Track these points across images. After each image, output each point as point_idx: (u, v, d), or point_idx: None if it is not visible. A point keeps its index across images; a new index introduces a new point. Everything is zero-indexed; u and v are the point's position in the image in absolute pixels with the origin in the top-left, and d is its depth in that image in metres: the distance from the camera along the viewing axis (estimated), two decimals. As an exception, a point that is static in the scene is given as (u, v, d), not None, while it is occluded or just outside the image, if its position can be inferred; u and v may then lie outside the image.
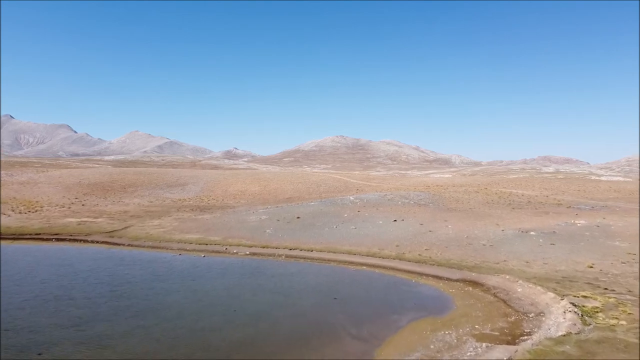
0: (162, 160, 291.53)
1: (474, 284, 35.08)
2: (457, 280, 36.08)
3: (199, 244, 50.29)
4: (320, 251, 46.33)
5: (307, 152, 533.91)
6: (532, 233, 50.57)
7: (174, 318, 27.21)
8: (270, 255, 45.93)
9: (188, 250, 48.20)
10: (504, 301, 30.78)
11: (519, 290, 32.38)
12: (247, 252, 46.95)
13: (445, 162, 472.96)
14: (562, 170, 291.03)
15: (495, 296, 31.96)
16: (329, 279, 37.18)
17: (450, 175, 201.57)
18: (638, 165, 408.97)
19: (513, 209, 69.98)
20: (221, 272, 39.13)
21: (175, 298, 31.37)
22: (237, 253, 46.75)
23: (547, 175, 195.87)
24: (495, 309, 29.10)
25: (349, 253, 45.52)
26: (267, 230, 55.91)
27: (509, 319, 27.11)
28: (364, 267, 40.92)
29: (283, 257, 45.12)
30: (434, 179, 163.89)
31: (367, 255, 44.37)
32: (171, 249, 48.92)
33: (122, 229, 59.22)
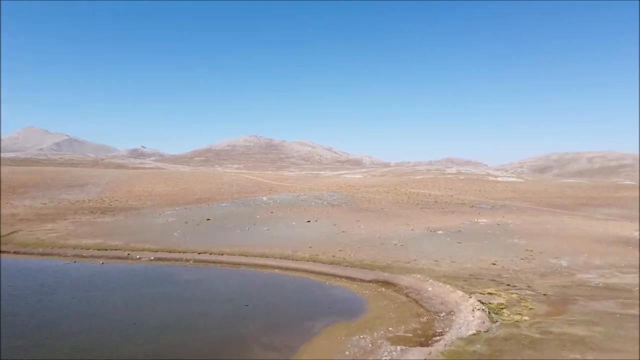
0: (61, 158, 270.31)
1: (387, 284, 35.13)
2: (370, 281, 35.96)
3: (98, 250, 46.22)
4: (232, 255, 44.39)
5: (219, 152, 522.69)
6: (440, 232, 52.19)
7: (61, 336, 24.14)
8: (177, 260, 43.21)
9: (85, 257, 44.08)
10: (416, 301, 30.98)
11: (429, 289, 32.81)
12: (152, 258, 43.82)
13: (356, 163, 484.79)
14: (463, 171, 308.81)
15: (408, 296, 32.12)
16: (240, 284, 35.48)
17: (362, 176, 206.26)
18: (531, 167, 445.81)
19: (422, 208, 72.28)
20: (121, 280, 35.95)
21: (65, 313, 28.07)
22: (140, 259, 43.48)
23: (449, 176, 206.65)
24: (408, 309, 29.12)
25: (262, 256, 44.03)
26: (175, 234, 52.83)
27: (421, 319, 27.17)
28: (277, 271, 39.67)
29: (191, 262, 42.62)
30: (346, 179, 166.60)
31: (281, 258, 43.16)
32: (65, 256, 44.47)
33: (8, 234, 53.09)
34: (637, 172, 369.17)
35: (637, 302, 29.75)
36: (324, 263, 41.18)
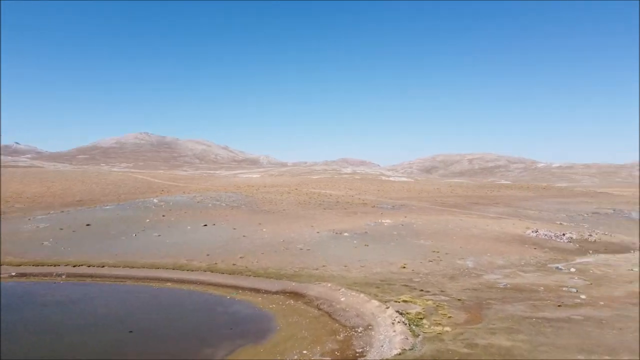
0: None
1: (296, 295, 31.92)
2: (277, 293, 32.51)
3: (-59, 266, 37.72)
4: (115, 266, 38.46)
5: (106, 149, 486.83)
6: (345, 234, 50.23)
7: None
8: (46, 275, 36.42)
9: None
10: (329, 314, 28.11)
11: (342, 299, 30.16)
12: (13, 274, 36.55)
13: (253, 162, 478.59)
14: (358, 171, 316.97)
15: (320, 309, 29.16)
16: (124, 303, 30.17)
17: (259, 176, 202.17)
18: (419, 168, 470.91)
19: (324, 209, 70.36)
20: (-32, 305, 28.90)
21: None
22: (-3, 276, 36.01)
23: (346, 176, 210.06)
24: (321, 325, 26.11)
25: (152, 267, 38.66)
26: (45, 242, 45.25)
27: (337, 337, 24.28)
28: (170, 284, 34.79)
29: (64, 276, 36.11)
30: (244, 179, 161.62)
31: (174, 269, 38.16)
32: None
33: None
34: (510, 173, 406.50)
35: (546, 303, 29.65)
36: (223, 273, 36.96)
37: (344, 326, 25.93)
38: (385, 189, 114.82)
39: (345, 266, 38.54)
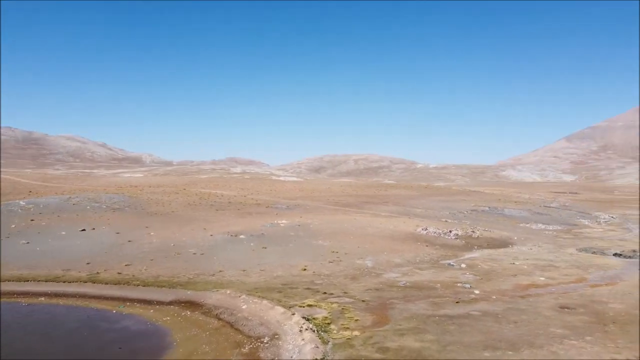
0: None
1: (192, 305, 29.33)
2: (171, 303, 29.63)
3: None
4: (-30, 282, 32.58)
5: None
6: (242, 236, 48.11)
7: None
8: None
9: None
10: (231, 324, 26.06)
11: (244, 307, 28.22)
12: None
13: (136, 161, 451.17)
14: (248, 170, 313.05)
15: (220, 319, 26.96)
16: (-18, 326, 25.37)
17: (143, 175, 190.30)
18: (308, 167, 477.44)
19: (217, 210, 67.32)
20: None
21: None
22: None
23: (236, 175, 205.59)
24: (223, 337, 24.00)
25: (19, 280, 33.42)
26: None
27: (242, 349, 22.39)
28: (43, 299, 30.22)
29: None
30: (126, 178, 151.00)
31: (47, 281, 33.32)
32: None
33: None
34: (393, 173, 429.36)
35: (445, 300, 30.41)
36: (108, 284, 33.01)
37: (249, 337, 24.10)
38: (278, 188, 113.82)
39: (244, 270, 36.56)
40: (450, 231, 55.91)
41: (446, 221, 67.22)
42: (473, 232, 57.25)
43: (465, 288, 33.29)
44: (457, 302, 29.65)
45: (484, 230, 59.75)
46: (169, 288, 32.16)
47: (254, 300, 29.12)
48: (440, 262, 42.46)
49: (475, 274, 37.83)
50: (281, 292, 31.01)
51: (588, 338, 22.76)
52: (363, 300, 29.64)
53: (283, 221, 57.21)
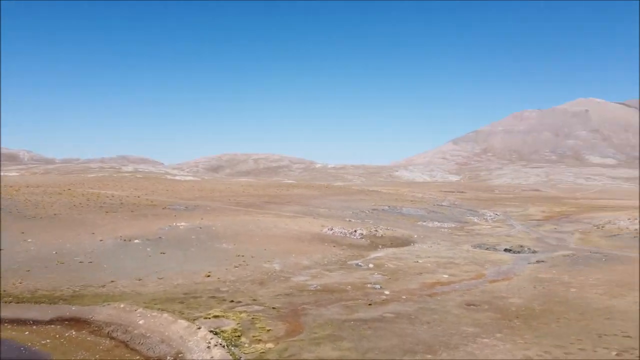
0: None
1: (79, 323, 25.61)
2: (52, 322, 25.62)
3: None
4: None
5: None
6: (136, 241, 44.04)
7: None
8: None
9: None
10: (126, 344, 23.00)
11: (141, 322, 25.17)
12: None
13: (11, 158, 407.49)
14: (140, 169, 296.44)
15: (113, 338, 23.72)
16: None
17: (19, 174, 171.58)
18: (205, 167, 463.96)
19: (107, 212, 61.55)
20: None
21: None
22: None
23: (126, 174, 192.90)
24: (117, 360, 20.96)
25: None
26: None
27: (141, 373, 19.62)
28: None
29: None
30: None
31: None
32: None
33: None
34: (292, 172, 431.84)
35: (357, 303, 29.68)
36: (-30, 302, 27.92)
37: (148, 358, 21.31)
38: (174, 188, 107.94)
39: (140, 280, 33.08)
40: (355, 231, 56.05)
41: (350, 221, 67.61)
42: (376, 231, 57.95)
43: (376, 289, 32.92)
44: (369, 305, 29.04)
45: (387, 229, 60.81)
46: (50, 304, 27.93)
47: (153, 313, 26.13)
48: (348, 262, 42.02)
49: (383, 274, 37.77)
50: (183, 303, 28.30)
51: (498, 335, 23.11)
52: (274, 308, 27.94)
53: (182, 223, 53.59)
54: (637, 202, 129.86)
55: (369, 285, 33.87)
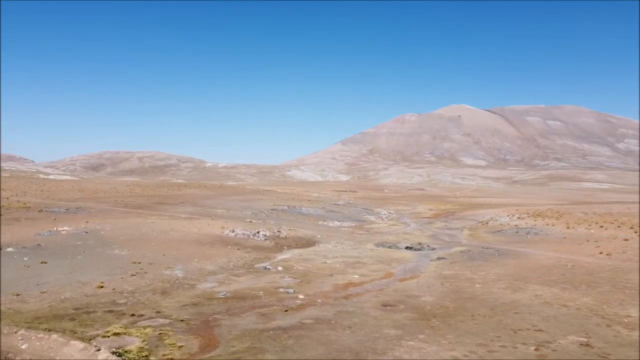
0: None
1: (-62, 353, 20.91)
2: None
3: None
4: None
5: None
6: (10, 249, 38.19)
7: None
8: None
9: None
10: (6, 375, 19.11)
11: (24, 347, 21.23)
12: None
13: None
14: (7, 168, 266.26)
15: (-14, 369, 19.63)
16: None
17: None
18: (84, 165, 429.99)
19: (-32, 216, 53.04)
20: None
21: None
22: None
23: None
24: (-5, 398, 17.23)
25: None
26: None
27: (28, 412, 16.23)
28: None
29: None
30: None
31: None
32: None
33: None
34: (181, 172, 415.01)
35: (273, 309, 28.01)
36: None
37: (36, 391, 17.82)
38: (50, 188, 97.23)
39: (19, 295, 28.33)
40: (258, 232, 54.17)
41: (251, 221, 65.46)
42: (280, 232, 56.60)
43: (289, 293, 31.55)
44: (285, 311, 27.57)
45: (290, 229, 59.70)
46: None
47: (38, 335, 22.22)
48: (255, 265, 40.14)
49: (294, 277, 36.51)
50: (75, 320, 24.57)
51: (421, 337, 22.92)
52: (182, 320, 25.33)
53: (65, 228, 47.76)
54: (510, 200, 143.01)
55: (281, 290, 32.39)
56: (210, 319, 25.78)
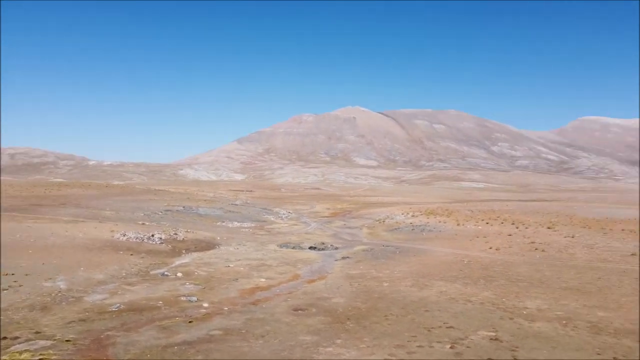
0: None
1: None
2: None
3: None
4: None
5: None
6: None
7: None
8: None
9: None
10: None
11: None
12: None
13: None
14: None
15: None
16: None
17: None
18: None
19: None
20: None
21: None
22: None
23: None
24: None
25: None
26: None
27: None
28: None
29: None
30: None
31: None
32: None
33: None
34: (60, 170, 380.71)
35: (175, 321, 25.45)
36: None
37: None
38: None
39: None
40: (152, 235, 50.29)
41: (143, 224, 60.79)
42: (176, 234, 53.13)
43: (192, 302, 29.13)
44: (190, 322, 25.22)
45: (187, 231, 56.34)
46: None
47: None
48: (152, 272, 36.85)
49: (195, 283, 34.00)
50: None
51: (338, 341, 22.02)
52: (68, 340, 21.98)
53: None
54: (401, 198, 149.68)
55: (183, 299, 29.83)
56: (102, 336, 22.69)
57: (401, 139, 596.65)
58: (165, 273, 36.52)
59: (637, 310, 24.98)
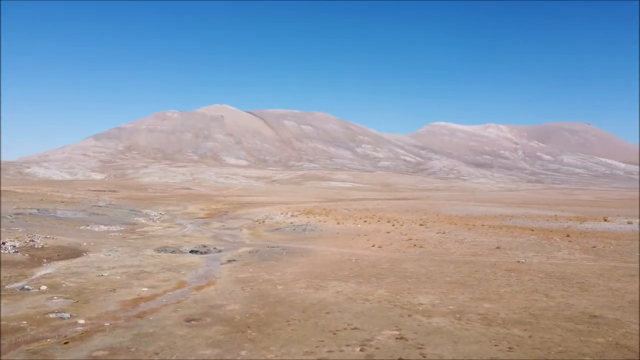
0: None
1: None
2: None
3: None
4: None
5: None
6: None
7: None
8: None
9: None
10: None
11: None
12: None
13: None
14: None
15: None
16: None
17: None
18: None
19: None
20: None
21: None
22: None
23: None
24: None
25: None
26: None
27: None
28: None
29: None
30: None
31: None
32: None
33: None
34: None
35: (49, 344, 21.73)
36: None
37: None
38: None
39: None
40: (4, 243, 43.39)
41: (-12, 230, 52.34)
42: (33, 241, 46.57)
43: (65, 319, 25.37)
44: (66, 344, 21.79)
45: (46, 237, 49.69)
46: None
47: None
48: (8, 287, 31.54)
49: (65, 297, 29.84)
50: None
51: (243, 353, 20.58)
52: None
53: None
54: (275, 198, 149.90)
55: (52, 316, 25.85)
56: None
57: (270, 139, 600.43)
58: (26, 287, 31.52)
59: (516, 300, 27.28)
